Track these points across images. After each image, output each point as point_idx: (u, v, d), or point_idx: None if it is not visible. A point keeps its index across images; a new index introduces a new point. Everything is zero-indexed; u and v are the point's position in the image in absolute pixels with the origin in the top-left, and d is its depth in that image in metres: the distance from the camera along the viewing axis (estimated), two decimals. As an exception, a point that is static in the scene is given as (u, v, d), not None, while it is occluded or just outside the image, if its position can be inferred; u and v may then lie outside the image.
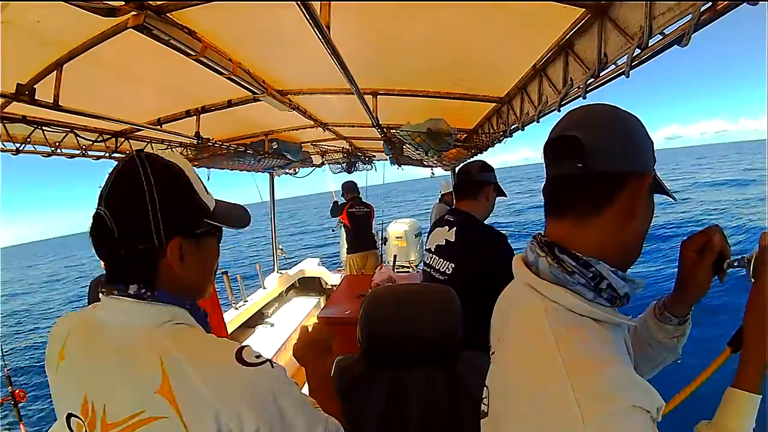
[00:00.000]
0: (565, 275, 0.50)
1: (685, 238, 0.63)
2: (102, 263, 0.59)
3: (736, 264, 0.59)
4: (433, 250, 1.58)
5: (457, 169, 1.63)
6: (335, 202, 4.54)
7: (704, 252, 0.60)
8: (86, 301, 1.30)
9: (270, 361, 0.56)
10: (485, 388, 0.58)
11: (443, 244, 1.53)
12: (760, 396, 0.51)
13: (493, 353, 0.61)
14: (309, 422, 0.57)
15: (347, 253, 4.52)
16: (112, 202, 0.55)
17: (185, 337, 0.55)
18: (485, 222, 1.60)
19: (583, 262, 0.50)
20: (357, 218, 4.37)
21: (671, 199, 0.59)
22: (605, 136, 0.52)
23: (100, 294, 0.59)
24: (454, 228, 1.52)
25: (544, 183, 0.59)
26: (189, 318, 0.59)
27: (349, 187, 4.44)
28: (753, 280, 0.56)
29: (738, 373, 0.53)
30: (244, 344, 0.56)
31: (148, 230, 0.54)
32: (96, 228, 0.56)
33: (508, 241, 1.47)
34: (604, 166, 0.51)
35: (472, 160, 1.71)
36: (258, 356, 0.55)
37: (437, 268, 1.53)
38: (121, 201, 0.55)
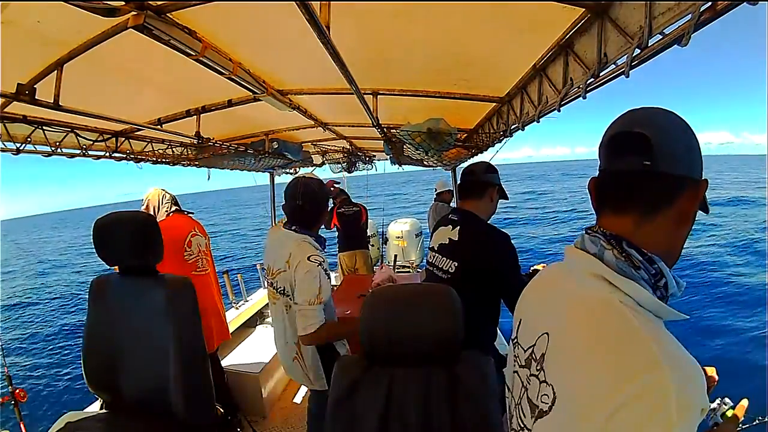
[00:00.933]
0: (632, 270, 0.51)
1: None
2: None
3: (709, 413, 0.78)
4: (436, 249, 1.59)
5: (461, 169, 1.64)
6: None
7: None
8: (87, 296, 1.34)
9: (321, 263, 1.48)
10: (544, 384, 0.54)
11: (447, 243, 1.54)
12: None
13: (530, 348, 0.58)
14: (307, 296, 1.45)
15: (338, 251, 4.59)
16: (305, 195, 1.55)
17: (302, 244, 1.51)
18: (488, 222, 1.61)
19: (648, 258, 0.51)
20: (346, 218, 4.47)
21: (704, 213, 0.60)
22: (672, 139, 0.52)
23: (282, 226, 1.62)
24: (458, 227, 1.53)
25: (595, 176, 0.60)
26: (311, 240, 1.55)
27: (337, 193, 4.56)
28: (722, 420, 0.76)
29: None
30: (314, 253, 1.48)
31: (321, 211, 1.65)
32: (292, 204, 1.56)
33: (512, 241, 1.48)
34: (669, 167, 0.51)
35: (476, 161, 1.72)
36: (316, 260, 1.47)
37: (441, 266, 1.53)
38: (309, 195, 1.56)
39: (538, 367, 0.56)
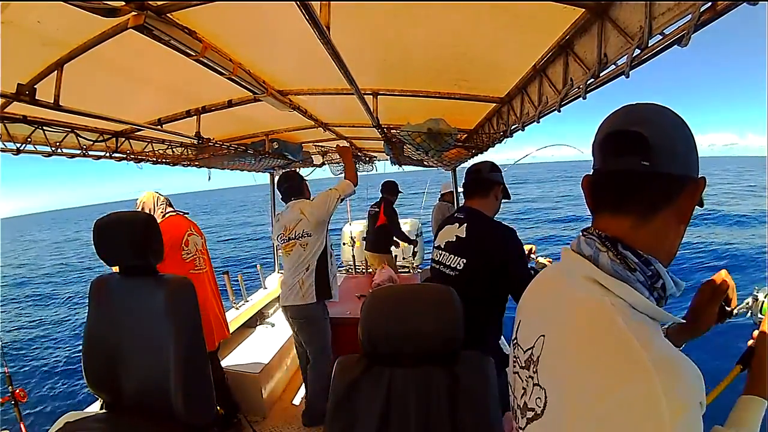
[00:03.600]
0: (627, 272, 0.50)
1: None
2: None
3: (737, 311, 0.74)
4: (442, 246, 1.61)
5: (461, 169, 1.65)
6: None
7: (714, 293, 0.73)
8: (87, 296, 1.34)
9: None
10: (537, 387, 0.54)
11: (454, 240, 1.56)
12: None
13: (529, 350, 0.58)
14: (327, 200, 2.38)
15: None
16: (287, 179, 2.48)
17: (302, 202, 2.43)
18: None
19: (645, 259, 0.51)
20: (369, 216, 4.44)
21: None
22: (670, 137, 0.51)
23: (291, 200, 2.48)
24: (465, 224, 1.55)
25: (589, 175, 0.59)
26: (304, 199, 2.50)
27: (386, 188, 4.33)
28: (762, 316, 0.71)
29: (751, 385, 0.66)
30: (308, 200, 2.47)
31: (301, 185, 2.51)
32: (283, 187, 2.47)
33: (517, 235, 1.50)
34: (668, 167, 0.51)
35: (481, 160, 1.75)
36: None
37: (447, 264, 1.55)
38: (289, 178, 2.49)
39: (534, 369, 0.56)
